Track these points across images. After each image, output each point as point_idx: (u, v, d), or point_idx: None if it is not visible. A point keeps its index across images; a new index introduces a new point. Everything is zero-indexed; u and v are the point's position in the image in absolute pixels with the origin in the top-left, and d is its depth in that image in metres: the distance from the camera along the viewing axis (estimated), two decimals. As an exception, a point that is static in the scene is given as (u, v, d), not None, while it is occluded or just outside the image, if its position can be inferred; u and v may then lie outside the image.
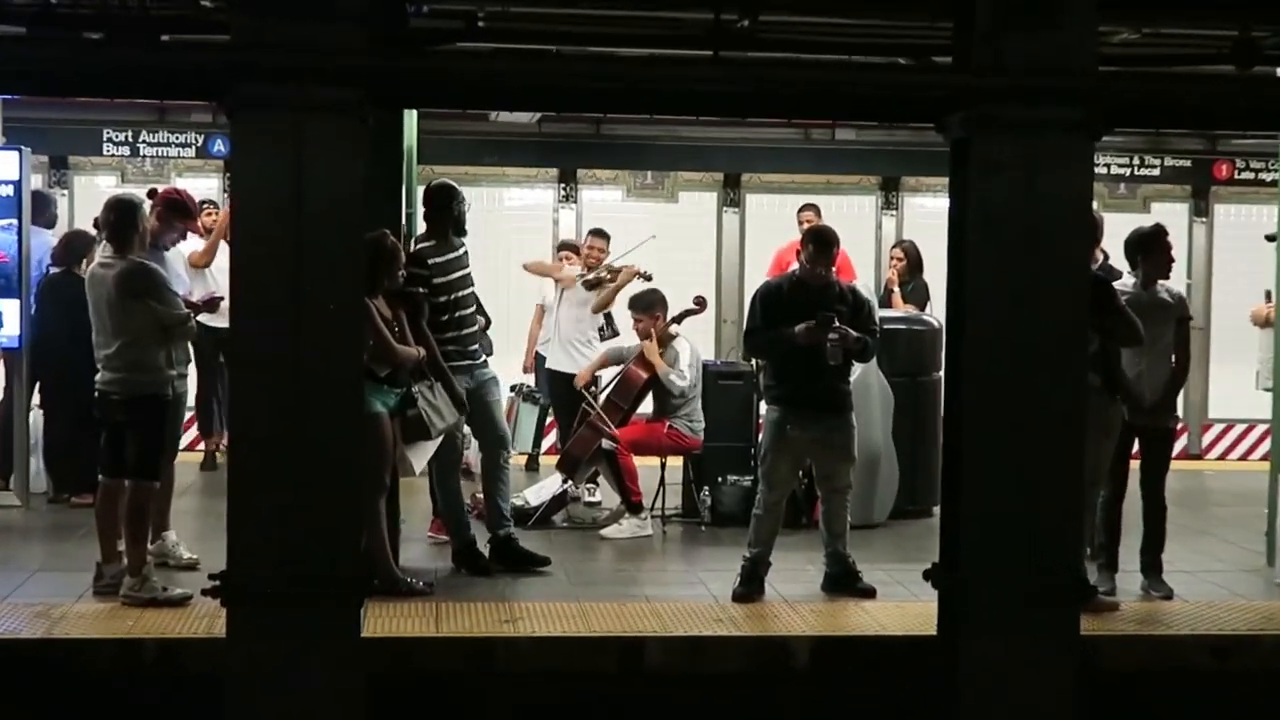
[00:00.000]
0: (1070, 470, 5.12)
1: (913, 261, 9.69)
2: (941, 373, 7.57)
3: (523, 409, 9.31)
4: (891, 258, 9.97)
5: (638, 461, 8.20)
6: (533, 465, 10.01)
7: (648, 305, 8.36)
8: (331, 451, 4.81)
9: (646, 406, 8.54)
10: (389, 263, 6.24)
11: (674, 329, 8.39)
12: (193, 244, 9.34)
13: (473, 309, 6.98)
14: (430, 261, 6.75)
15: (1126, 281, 6.83)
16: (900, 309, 9.38)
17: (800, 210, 9.96)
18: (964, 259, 5.21)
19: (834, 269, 6.68)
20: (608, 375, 8.58)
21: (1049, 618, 5.12)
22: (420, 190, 7.51)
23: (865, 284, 8.99)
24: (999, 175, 5.11)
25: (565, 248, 9.86)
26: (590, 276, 9.02)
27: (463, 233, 6.97)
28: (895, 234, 11.72)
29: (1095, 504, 6.55)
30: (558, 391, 9.17)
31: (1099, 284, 6.13)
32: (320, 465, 4.81)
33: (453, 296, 6.81)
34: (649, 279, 8.84)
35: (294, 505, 4.79)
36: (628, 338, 8.75)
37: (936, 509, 6.85)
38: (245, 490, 4.84)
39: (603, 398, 8.33)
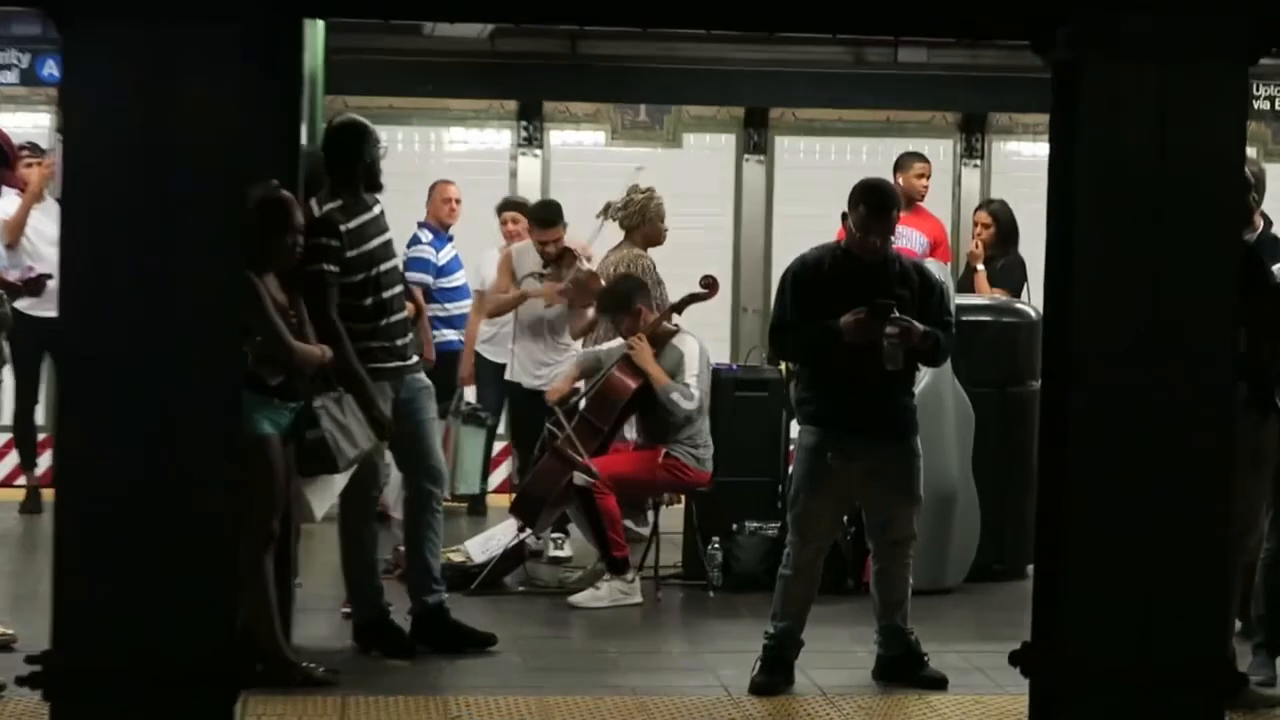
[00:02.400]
0: (1213, 516, 5.11)
1: (1003, 230, 9.77)
2: (1040, 381, 7.55)
3: (464, 435, 9.34)
4: (975, 224, 10.03)
5: (623, 502, 8.23)
6: (477, 507, 10.10)
7: (621, 301, 8.36)
8: (197, 492, 4.82)
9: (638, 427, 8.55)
10: (282, 226, 6.24)
11: (674, 321, 8.39)
12: (10, 202, 9.34)
13: (399, 289, 7.05)
14: (341, 228, 6.79)
15: (1293, 258, 6.88)
16: (986, 294, 9.42)
17: (901, 167, 9.82)
18: (1071, 227, 5.21)
19: (893, 238, 6.74)
20: (582, 384, 8.66)
21: (1182, 717, 5.12)
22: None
23: (940, 262, 9.09)
24: (1120, 112, 5.12)
25: (506, 208, 10.05)
26: (565, 284, 9.06)
27: (376, 187, 7.01)
28: (980, 193, 11.85)
29: (1249, 562, 6.53)
30: (516, 408, 9.27)
31: (1253, 260, 6.11)
32: (181, 511, 4.80)
33: (373, 273, 6.84)
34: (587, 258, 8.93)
35: (144, 565, 4.76)
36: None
37: (1031, 569, 6.81)
38: (78, 544, 4.81)
39: (575, 416, 8.36)
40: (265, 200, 6.11)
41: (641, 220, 9.04)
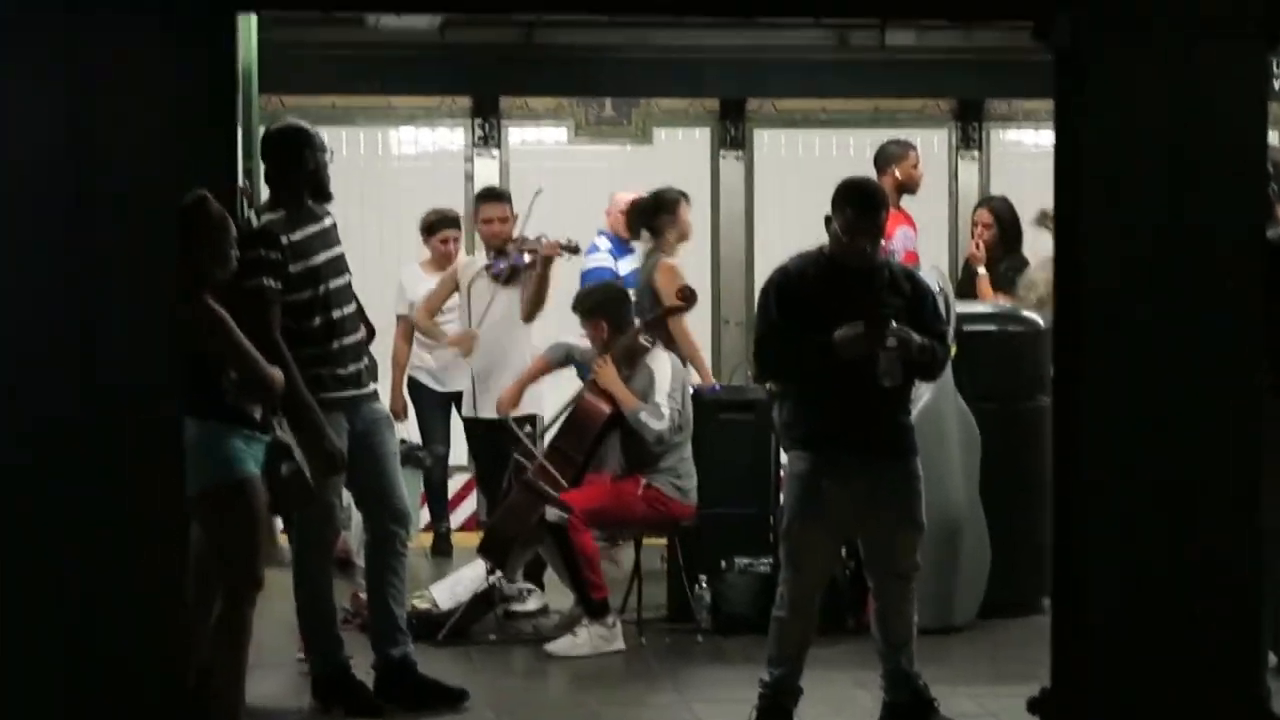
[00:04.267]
0: (1244, 538, 5.12)
1: (1006, 229, 9.77)
2: (1050, 396, 7.39)
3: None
4: (975, 224, 10.04)
5: (600, 540, 8.23)
6: (442, 548, 10.13)
7: (596, 305, 8.39)
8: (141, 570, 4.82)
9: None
10: (216, 240, 6.13)
11: (645, 338, 8.39)
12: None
13: (353, 308, 7.04)
14: (283, 240, 6.80)
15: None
16: (988, 299, 9.42)
17: (893, 159, 9.59)
18: (1079, 223, 5.22)
19: (883, 242, 6.72)
20: (550, 408, 8.69)
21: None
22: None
23: (934, 264, 9.05)
24: (1129, 97, 5.13)
25: (442, 225, 10.01)
26: (503, 265, 9.10)
27: (324, 196, 7.04)
28: (979, 188, 11.87)
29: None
30: (479, 442, 9.27)
31: (1278, 260, 6.11)
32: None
33: (320, 291, 6.86)
34: (575, 251, 8.93)
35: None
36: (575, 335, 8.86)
37: (1047, 602, 6.85)
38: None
39: (545, 443, 8.38)
40: (193, 211, 5.98)
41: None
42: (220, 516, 6.01)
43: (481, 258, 9.37)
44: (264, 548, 6.28)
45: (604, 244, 10.04)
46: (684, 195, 9.41)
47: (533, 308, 9.01)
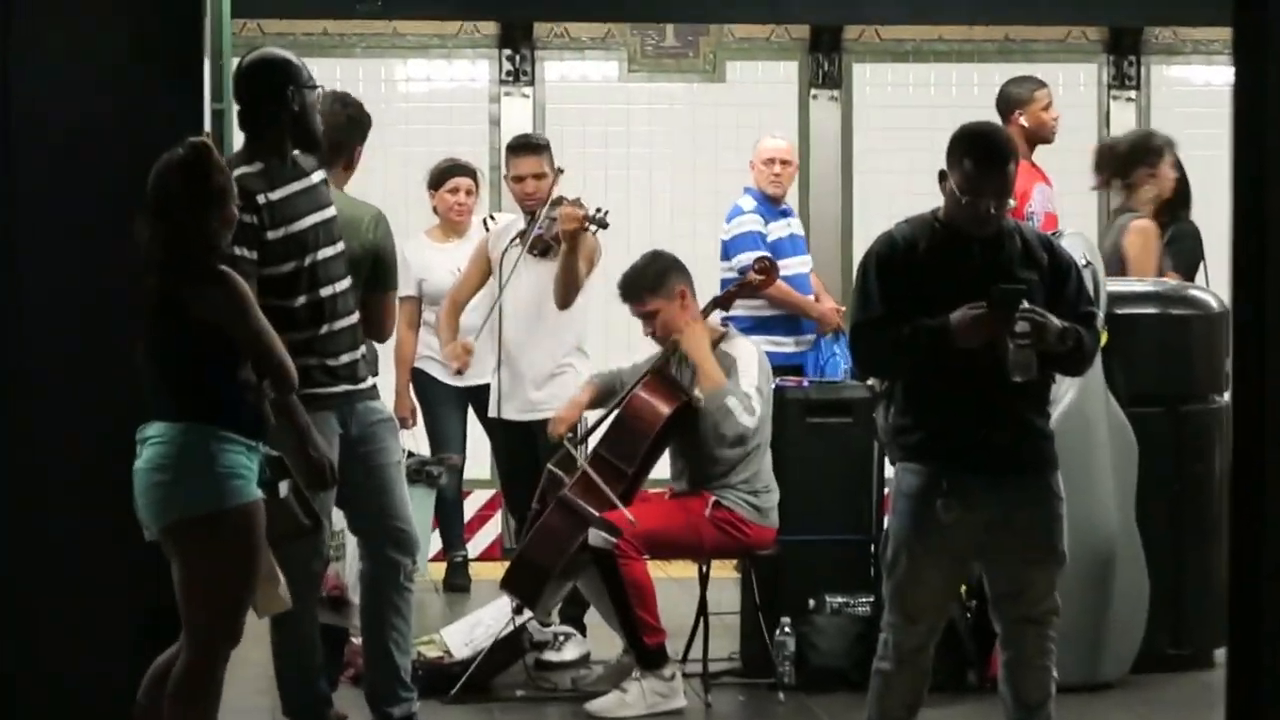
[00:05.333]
0: None
1: (1173, 190, 9.63)
2: (1229, 395, 7.30)
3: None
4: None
5: (657, 572, 8.25)
6: (458, 581, 10.22)
7: (657, 279, 8.38)
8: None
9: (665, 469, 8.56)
10: (225, 200, 6.18)
11: (716, 319, 8.44)
12: None
13: (346, 285, 7.10)
14: (260, 199, 6.82)
15: None
16: (1147, 275, 9.35)
17: (1017, 102, 9.69)
18: (1264, 181, 5.18)
19: (1012, 202, 6.71)
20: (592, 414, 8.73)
21: None
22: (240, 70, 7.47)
23: (1079, 230, 9.00)
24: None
25: (455, 173, 10.20)
26: (538, 230, 9.05)
27: (312, 145, 7.08)
28: None
29: None
30: (506, 450, 9.33)
31: None
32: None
33: (306, 262, 6.93)
34: (603, 226, 8.86)
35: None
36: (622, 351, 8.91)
37: (1221, 654, 7.00)
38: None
39: (586, 452, 8.44)
40: (185, 163, 6.05)
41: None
42: (205, 548, 6.00)
43: (514, 223, 9.34)
44: (254, 591, 6.27)
45: (749, 204, 10.23)
46: (1170, 144, 9.39)
47: (565, 291, 8.95)
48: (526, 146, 9.36)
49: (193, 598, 6.01)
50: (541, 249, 9.03)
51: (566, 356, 9.10)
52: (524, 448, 9.04)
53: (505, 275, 9.11)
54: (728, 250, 9.95)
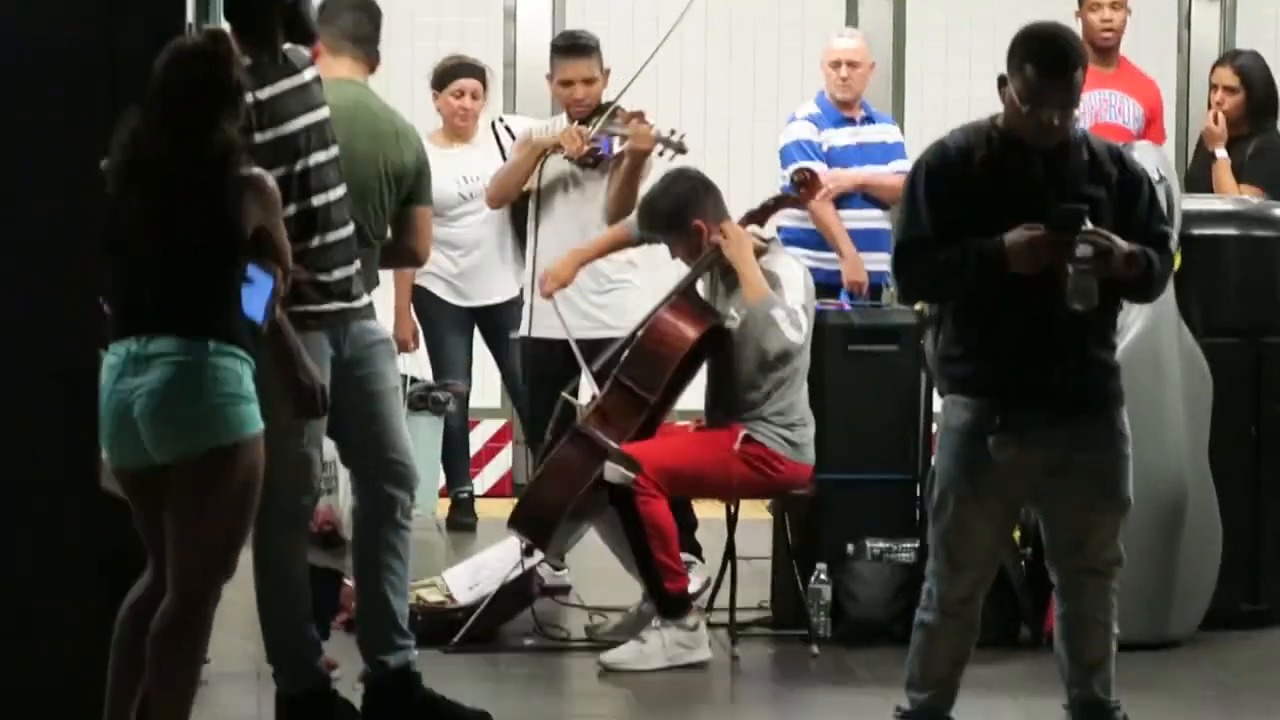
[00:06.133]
0: None
1: (1257, 97, 9.81)
2: None
3: (410, 428, 9.04)
4: (1214, 88, 10.09)
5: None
6: (463, 520, 10.38)
7: (670, 219, 8.29)
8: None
9: (695, 399, 8.54)
10: (239, 98, 6.15)
11: (756, 232, 8.37)
12: None
13: (341, 192, 7.00)
14: (248, 97, 6.55)
15: None
16: (1229, 193, 9.48)
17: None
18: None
19: (1077, 111, 6.63)
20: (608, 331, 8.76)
21: None
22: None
23: (1152, 144, 8.99)
24: None
25: (457, 74, 10.12)
26: (593, 132, 8.90)
27: (305, 37, 6.98)
28: (1221, 42, 11.99)
29: None
30: (538, 372, 9.19)
31: None
32: None
33: (298, 167, 6.85)
34: (681, 150, 8.77)
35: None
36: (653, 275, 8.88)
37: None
38: None
39: (606, 381, 8.32)
40: (196, 55, 5.99)
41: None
42: (228, 478, 5.89)
43: (542, 127, 9.25)
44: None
45: (806, 110, 10.07)
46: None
47: (619, 211, 8.89)
48: (576, 48, 9.26)
49: (198, 531, 5.89)
50: (594, 160, 8.94)
51: (619, 273, 9.11)
52: (546, 363, 8.94)
53: (548, 190, 9.10)
54: (784, 160, 9.82)
